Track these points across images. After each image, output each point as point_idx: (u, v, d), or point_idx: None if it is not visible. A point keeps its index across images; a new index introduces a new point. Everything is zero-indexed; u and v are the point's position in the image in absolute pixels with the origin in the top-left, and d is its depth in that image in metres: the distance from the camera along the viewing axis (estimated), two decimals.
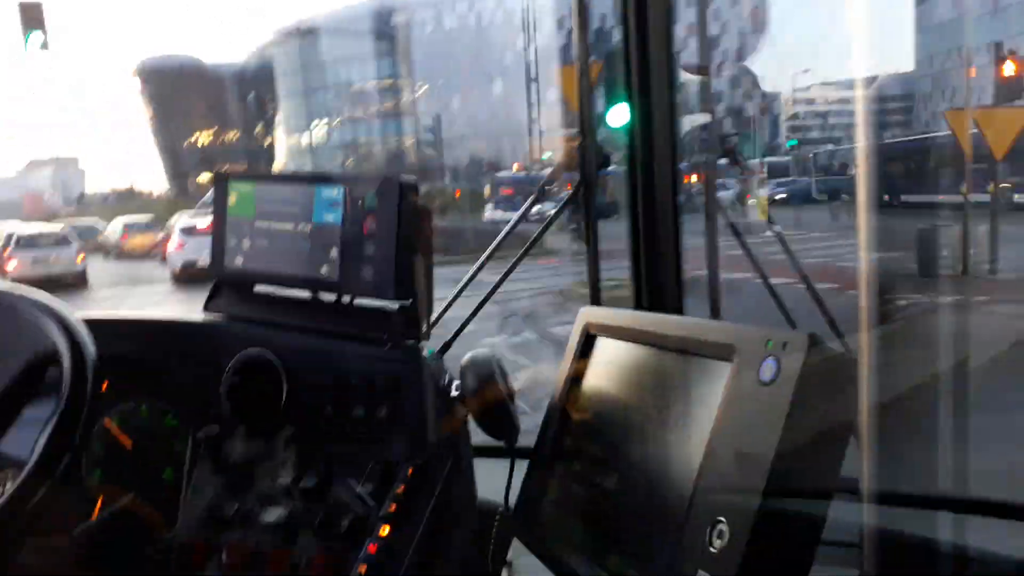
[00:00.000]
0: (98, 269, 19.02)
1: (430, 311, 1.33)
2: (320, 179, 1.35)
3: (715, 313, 2.33)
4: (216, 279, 1.48)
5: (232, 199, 1.45)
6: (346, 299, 1.36)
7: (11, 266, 16.76)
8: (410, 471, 1.21)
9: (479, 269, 1.77)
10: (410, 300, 1.28)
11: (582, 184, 1.83)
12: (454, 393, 1.24)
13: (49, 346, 1.12)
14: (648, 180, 1.70)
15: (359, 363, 1.29)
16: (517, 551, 1.27)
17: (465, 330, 1.77)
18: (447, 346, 1.67)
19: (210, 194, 1.48)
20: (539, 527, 1.17)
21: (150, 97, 60.42)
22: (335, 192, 1.33)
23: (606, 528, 1.05)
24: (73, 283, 16.24)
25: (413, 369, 1.26)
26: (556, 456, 1.19)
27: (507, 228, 1.81)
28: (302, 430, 1.30)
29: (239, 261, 1.43)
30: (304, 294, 1.40)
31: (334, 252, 1.33)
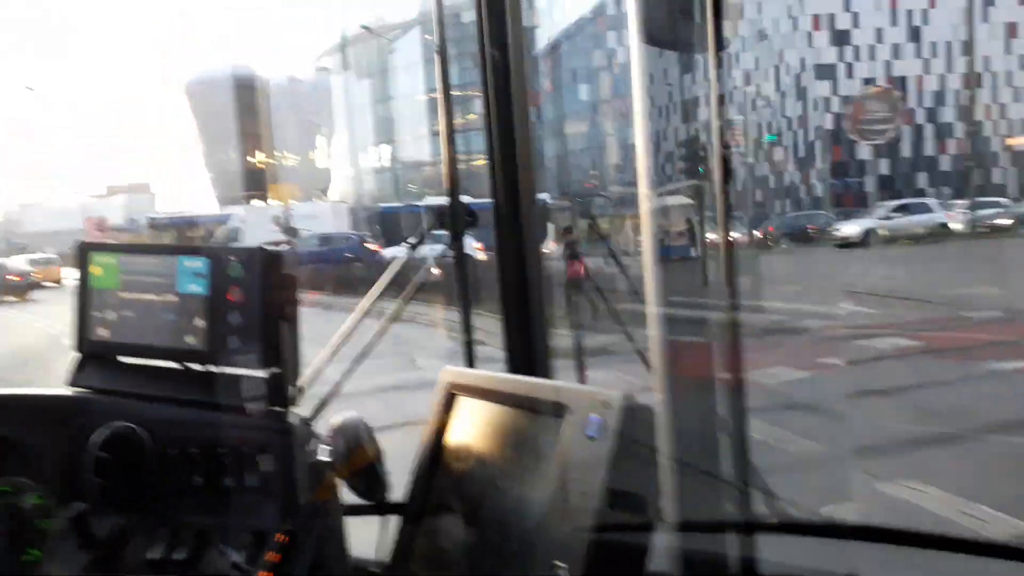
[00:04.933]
0: None
1: (296, 377, 1.35)
2: (183, 250, 1.38)
3: (580, 374, 2.30)
4: (81, 352, 1.46)
5: (96, 270, 1.45)
6: (214, 369, 1.36)
7: None
8: (281, 538, 1.22)
9: (355, 326, 1.75)
10: (278, 368, 1.31)
11: (453, 243, 1.82)
12: (323, 458, 1.26)
13: None
14: (518, 251, 1.71)
15: (227, 432, 1.29)
16: None
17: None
18: (319, 410, 1.67)
19: None
20: None
21: (198, 116, 55.51)
22: (199, 263, 1.36)
23: None
24: None
25: (280, 437, 1.28)
26: (423, 512, 1.24)
27: (383, 277, 1.78)
28: (172, 503, 1.30)
29: (104, 333, 1.43)
30: (172, 365, 1.40)
31: (200, 322, 1.35)
